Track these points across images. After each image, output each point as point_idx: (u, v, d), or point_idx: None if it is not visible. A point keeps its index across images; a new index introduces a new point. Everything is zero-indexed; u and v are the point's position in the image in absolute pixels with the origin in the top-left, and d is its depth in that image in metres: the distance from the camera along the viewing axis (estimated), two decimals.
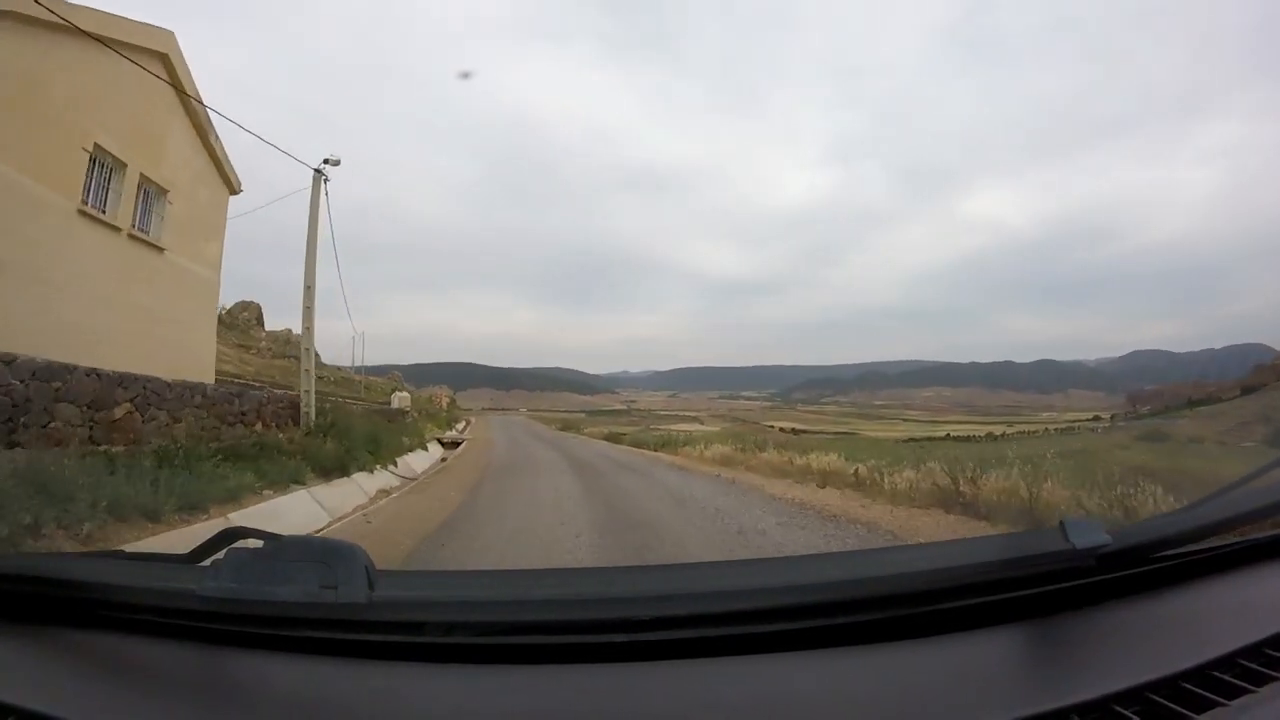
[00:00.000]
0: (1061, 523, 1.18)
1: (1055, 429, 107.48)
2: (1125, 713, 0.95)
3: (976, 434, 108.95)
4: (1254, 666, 1.03)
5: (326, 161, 16.88)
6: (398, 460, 17.17)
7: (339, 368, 56.33)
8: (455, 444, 29.61)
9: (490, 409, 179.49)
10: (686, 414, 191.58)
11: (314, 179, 16.60)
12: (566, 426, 69.62)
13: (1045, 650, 1.14)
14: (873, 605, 1.16)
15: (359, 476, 13.38)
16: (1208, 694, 0.98)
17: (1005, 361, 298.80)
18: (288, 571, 1.12)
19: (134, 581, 1.33)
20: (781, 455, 18.39)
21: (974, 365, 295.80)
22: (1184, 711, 0.95)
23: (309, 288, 15.93)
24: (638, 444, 36.09)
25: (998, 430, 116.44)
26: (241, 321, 58.51)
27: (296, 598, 1.10)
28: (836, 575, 1.34)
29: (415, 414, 34.43)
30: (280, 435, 13.63)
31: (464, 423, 58.09)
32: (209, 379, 16.26)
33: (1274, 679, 1.01)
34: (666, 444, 31.15)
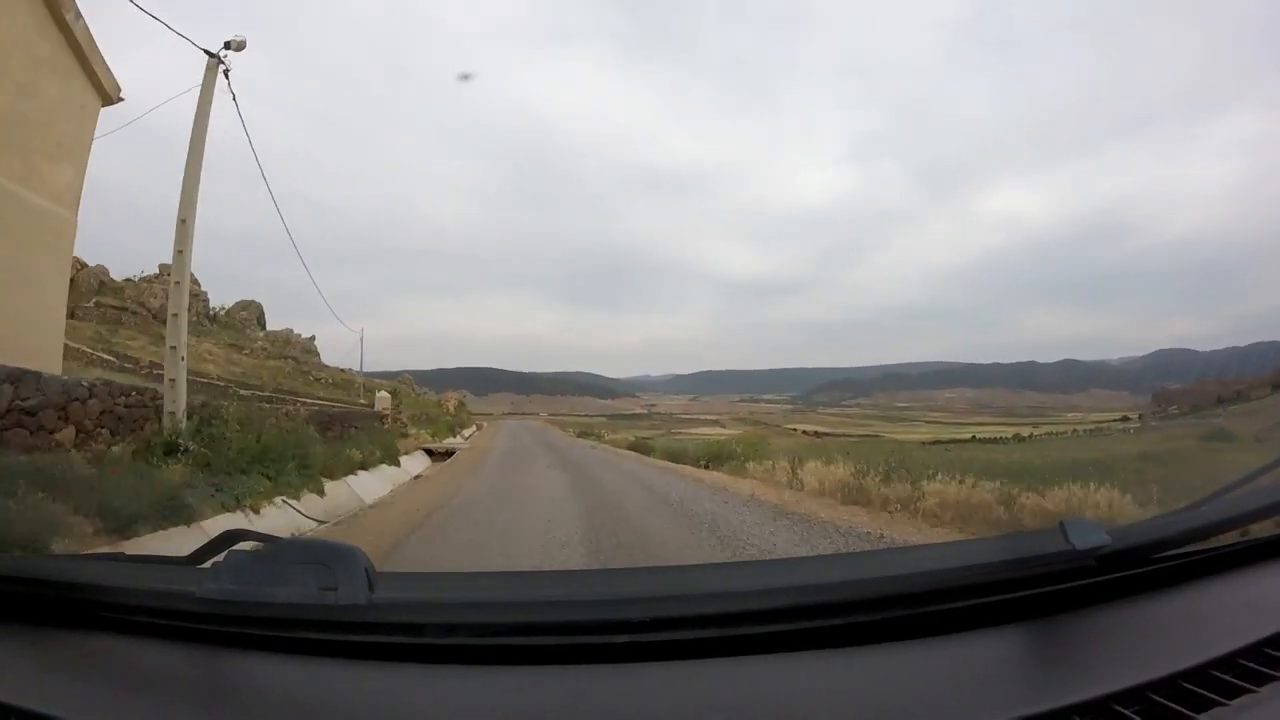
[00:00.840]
0: (1061, 523, 1.16)
1: (1084, 430, 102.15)
2: (1126, 713, 0.94)
3: (1003, 435, 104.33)
4: (1254, 666, 1.02)
5: (229, 46, 10.94)
6: (330, 487, 11.16)
7: (342, 370, 51.11)
8: (449, 454, 23.83)
9: (510, 413, 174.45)
10: (707, 417, 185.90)
11: (207, 68, 10.70)
12: (585, 433, 59.66)
13: (1045, 650, 1.13)
14: (873, 606, 1.15)
15: (223, 521, 7.33)
16: (1208, 694, 0.97)
17: (1028, 362, 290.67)
18: (287, 573, 1.11)
19: (134, 583, 1.32)
20: (970, 486, 9.55)
21: (996, 366, 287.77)
22: (1184, 711, 0.94)
23: (183, 221, 10.13)
24: (674, 456, 25.32)
25: (1024, 431, 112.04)
26: (239, 321, 53.96)
27: (296, 599, 1.09)
28: (836, 576, 1.33)
29: (404, 418, 28.51)
30: (111, 449, 7.71)
31: (474, 428, 52.52)
32: (52, 365, 10.35)
33: (1274, 679, 1.00)
34: (718, 457, 20.53)
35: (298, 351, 52.33)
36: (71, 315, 37.48)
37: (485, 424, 74.35)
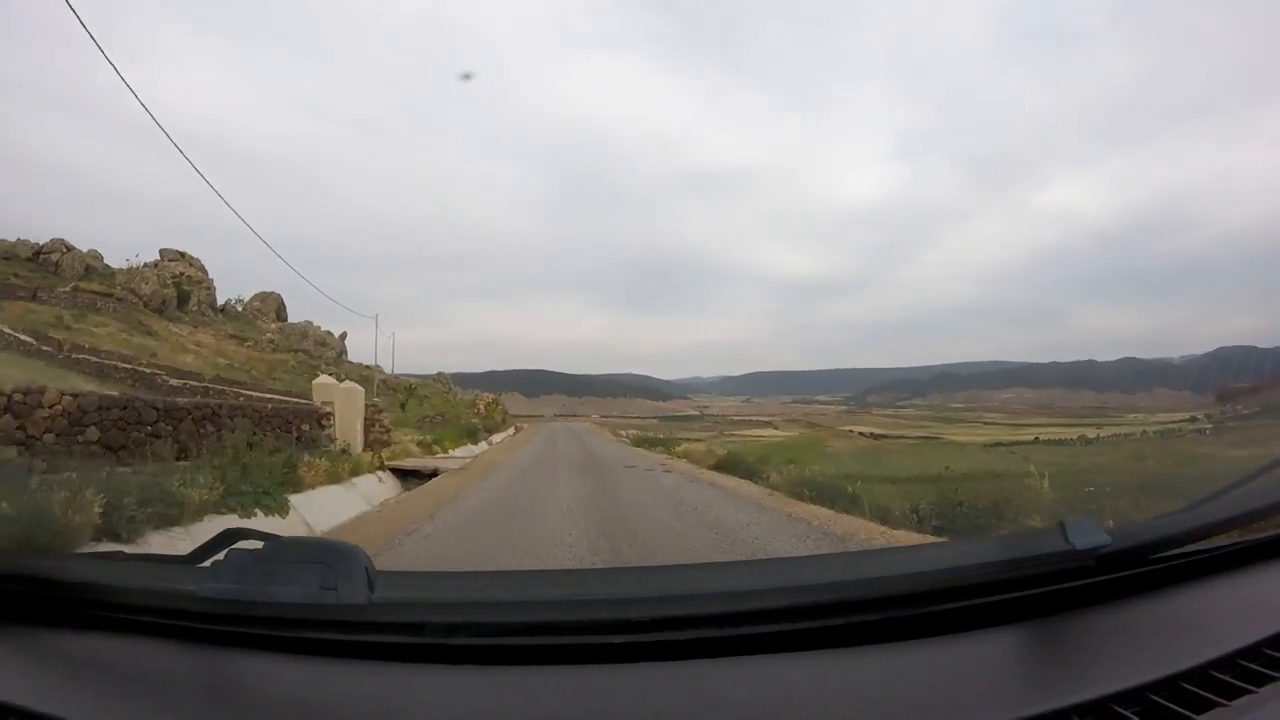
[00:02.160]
0: (1061, 523, 1.15)
1: (1153, 431, 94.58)
2: (1125, 713, 0.93)
3: (1067, 437, 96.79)
4: (1254, 666, 1.01)
5: None
6: None
7: (367, 366, 44.39)
8: (435, 473, 15.75)
9: (561, 415, 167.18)
10: (760, 419, 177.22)
11: None
12: (646, 439, 39.58)
13: (1045, 651, 1.12)
14: (873, 606, 1.14)
15: None
16: (1208, 694, 0.96)
17: (1087, 360, 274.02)
18: (288, 572, 1.09)
19: (134, 583, 1.29)
20: None
21: (1054, 365, 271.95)
22: (1184, 712, 0.93)
23: None
24: (832, 498, 10.61)
25: (1089, 433, 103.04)
26: (250, 311, 47.49)
27: (297, 599, 1.08)
28: (837, 576, 1.30)
29: (387, 420, 20.41)
30: None
31: (510, 430, 44.51)
32: None
33: (1274, 679, 0.98)
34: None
35: (311, 344, 45.58)
36: (33, 298, 31.52)
37: (527, 425, 66.45)
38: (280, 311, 51.69)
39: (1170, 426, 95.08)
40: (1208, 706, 0.93)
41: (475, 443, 29.58)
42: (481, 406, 48.54)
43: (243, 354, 35.98)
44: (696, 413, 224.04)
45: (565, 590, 1.35)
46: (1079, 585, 1.15)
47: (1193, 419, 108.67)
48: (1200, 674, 0.98)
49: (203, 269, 45.54)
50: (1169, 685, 0.96)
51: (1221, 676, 0.98)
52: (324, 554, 1.11)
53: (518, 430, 53.61)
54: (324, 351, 47.11)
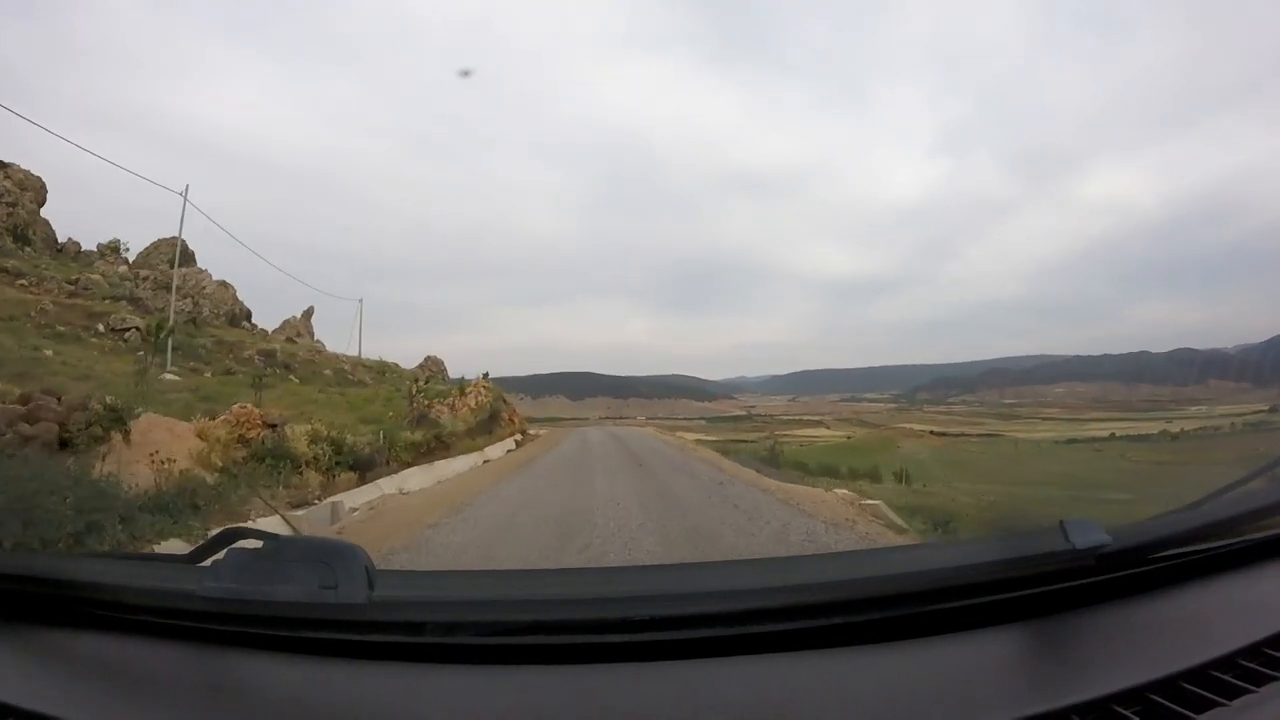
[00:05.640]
0: (1061, 523, 1.10)
1: (1239, 424, 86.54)
2: (1125, 713, 0.91)
3: (1146, 433, 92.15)
4: (1254, 666, 0.98)
5: None
6: None
7: (290, 339, 33.35)
8: None
9: (607, 417, 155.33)
10: (809, 418, 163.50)
11: None
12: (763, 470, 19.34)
13: (1045, 650, 1.09)
14: (873, 605, 1.10)
15: None
16: (1208, 694, 0.93)
17: (1140, 352, 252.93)
18: (288, 572, 1.05)
19: (134, 582, 1.27)
20: None
21: (1106, 357, 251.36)
22: (1184, 712, 0.91)
23: None
24: None
25: (1169, 428, 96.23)
26: (100, 253, 33.98)
27: (296, 598, 1.04)
28: (836, 575, 1.27)
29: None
30: None
31: (512, 442, 21.59)
32: None
33: (1274, 679, 0.96)
34: None
35: (148, 290, 30.85)
36: None
37: (547, 432, 40.54)
38: (173, 260, 36.68)
39: (1255, 419, 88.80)
40: (1208, 706, 0.90)
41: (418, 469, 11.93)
42: (453, 400, 23.59)
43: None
44: (743, 413, 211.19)
45: (565, 589, 1.32)
46: (1079, 585, 1.11)
47: (1274, 410, 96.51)
48: (1200, 674, 0.94)
49: (33, 185, 32.25)
50: (1169, 685, 0.93)
51: (1221, 676, 0.94)
52: (324, 553, 1.06)
53: (520, 442, 27.76)
54: (179, 303, 30.19)
